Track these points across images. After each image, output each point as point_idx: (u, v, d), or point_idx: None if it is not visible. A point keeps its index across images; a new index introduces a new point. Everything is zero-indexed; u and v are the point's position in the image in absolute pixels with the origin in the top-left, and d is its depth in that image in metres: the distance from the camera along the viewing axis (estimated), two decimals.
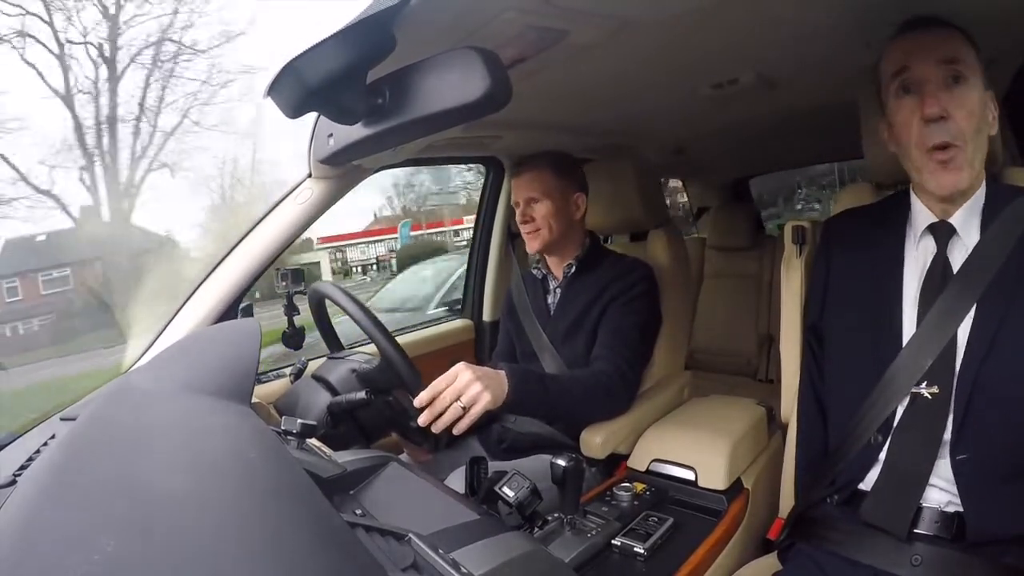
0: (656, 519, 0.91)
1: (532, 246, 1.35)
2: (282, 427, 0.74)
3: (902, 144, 0.82)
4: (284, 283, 1.30)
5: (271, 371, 1.41)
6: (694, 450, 1.06)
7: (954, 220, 0.82)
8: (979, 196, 0.82)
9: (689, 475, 1.03)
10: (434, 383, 0.95)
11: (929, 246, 0.84)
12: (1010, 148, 0.99)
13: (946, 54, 0.78)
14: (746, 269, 2.52)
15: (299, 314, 1.31)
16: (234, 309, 1.16)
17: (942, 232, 0.83)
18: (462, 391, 0.93)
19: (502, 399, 0.98)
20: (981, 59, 0.80)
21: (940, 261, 0.82)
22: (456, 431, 0.94)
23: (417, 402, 0.94)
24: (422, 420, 0.93)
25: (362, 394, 1.03)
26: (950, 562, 0.75)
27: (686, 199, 3.12)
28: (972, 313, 0.77)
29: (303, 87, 0.61)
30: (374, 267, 17.93)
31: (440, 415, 0.93)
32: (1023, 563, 0.72)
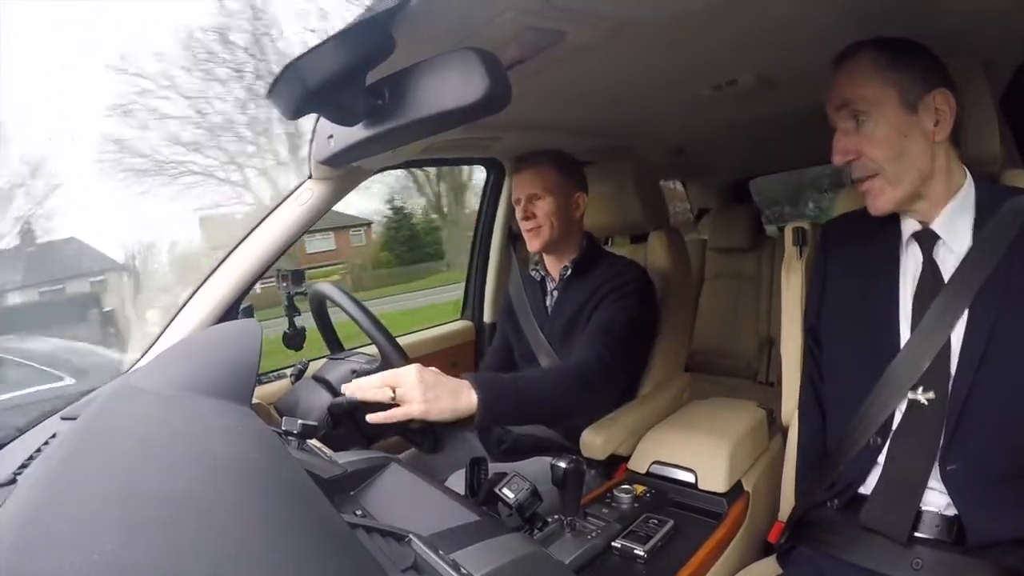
0: (656, 521, 0.91)
1: (533, 245, 1.34)
2: (283, 428, 0.74)
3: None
4: (284, 284, 1.30)
5: (272, 372, 1.41)
6: (694, 452, 1.06)
7: (936, 227, 0.82)
8: (964, 200, 0.82)
9: (689, 477, 1.03)
10: (385, 372, 0.90)
11: (916, 253, 0.84)
12: (1009, 149, 0.99)
13: (840, 99, 0.82)
14: (746, 271, 2.52)
15: (300, 315, 1.31)
16: (235, 310, 1.17)
17: (925, 239, 0.83)
18: (400, 386, 0.87)
19: (442, 417, 0.89)
20: (902, 76, 0.79)
21: (928, 267, 0.82)
22: (369, 418, 0.87)
23: (360, 382, 0.89)
24: (346, 387, 0.88)
25: None
26: (951, 566, 0.74)
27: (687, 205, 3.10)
28: (965, 318, 0.77)
29: (303, 88, 0.61)
30: None
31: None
32: None
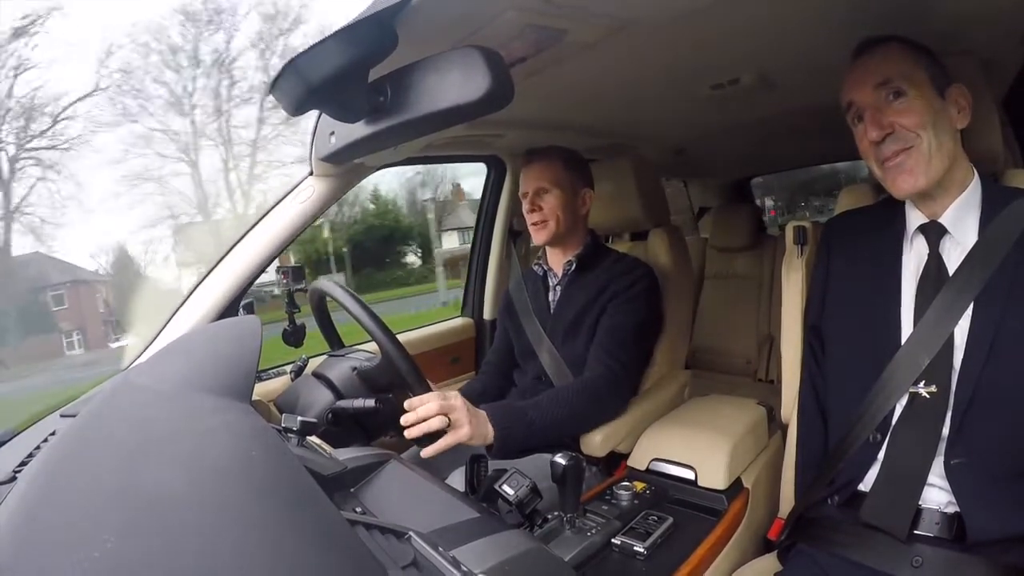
0: (656, 518, 0.92)
1: (538, 238, 1.35)
2: (282, 425, 0.74)
3: (867, 162, 0.87)
4: (285, 280, 1.30)
5: (271, 368, 1.41)
6: (694, 449, 1.06)
7: (944, 220, 0.83)
8: (972, 196, 0.82)
9: (689, 474, 1.03)
10: (433, 394, 0.95)
11: (922, 246, 0.85)
12: (1011, 148, 0.99)
13: (880, 78, 0.82)
14: (747, 269, 2.52)
15: (299, 311, 1.31)
16: (235, 306, 1.16)
17: (932, 232, 0.84)
18: (450, 411, 0.94)
19: (479, 442, 0.98)
20: (930, 64, 0.82)
21: (934, 260, 0.83)
22: (424, 453, 0.93)
23: (410, 403, 0.94)
24: (406, 419, 0.93)
25: (371, 402, 1.02)
26: (951, 563, 0.75)
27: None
28: (970, 313, 0.77)
29: (305, 85, 0.61)
30: None
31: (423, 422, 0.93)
32: None
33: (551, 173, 1.32)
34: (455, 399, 0.95)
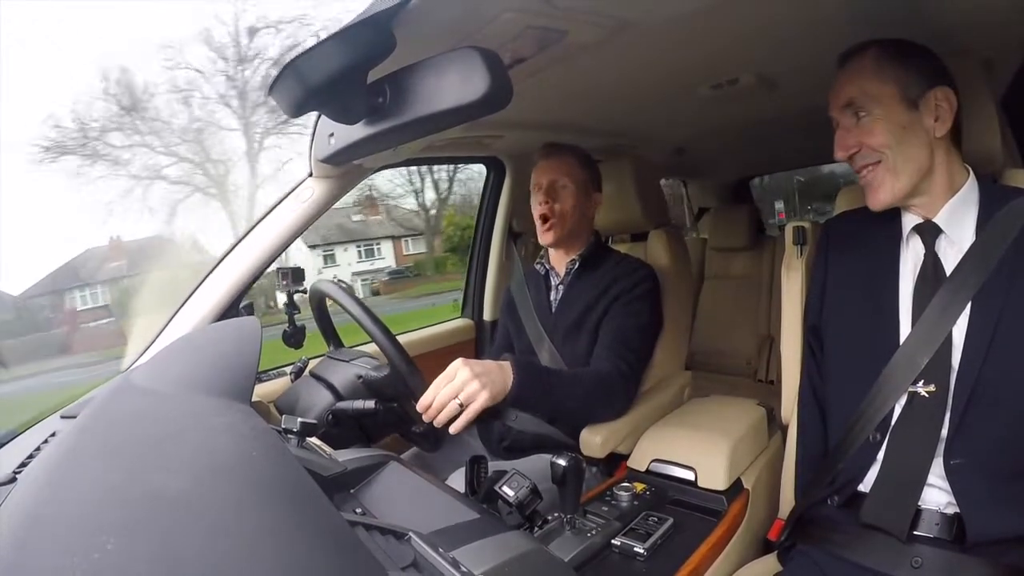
0: (656, 519, 0.91)
1: (545, 239, 1.35)
2: (282, 426, 0.74)
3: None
4: (285, 282, 1.30)
5: (271, 369, 1.41)
6: (694, 450, 1.06)
7: (939, 220, 0.83)
8: (968, 196, 0.83)
9: (689, 475, 1.03)
10: (435, 382, 0.95)
11: (918, 246, 0.85)
12: (1010, 149, 0.99)
13: (844, 99, 0.84)
14: (746, 270, 2.52)
15: (299, 312, 1.31)
16: (235, 307, 1.16)
17: (928, 232, 0.84)
18: (460, 389, 0.93)
19: (502, 395, 0.98)
20: (902, 74, 0.81)
21: (930, 260, 0.83)
22: (452, 430, 0.94)
23: (419, 406, 0.95)
24: (427, 416, 0.95)
25: (371, 403, 1.02)
26: (951, 564, 0.75)
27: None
28: (968, 312, 0.77)
29: (304, 86, 0.61)
30: None
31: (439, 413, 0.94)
32: None
33: (567, 167, 1.33)
34: (459, 374, 0.95)
